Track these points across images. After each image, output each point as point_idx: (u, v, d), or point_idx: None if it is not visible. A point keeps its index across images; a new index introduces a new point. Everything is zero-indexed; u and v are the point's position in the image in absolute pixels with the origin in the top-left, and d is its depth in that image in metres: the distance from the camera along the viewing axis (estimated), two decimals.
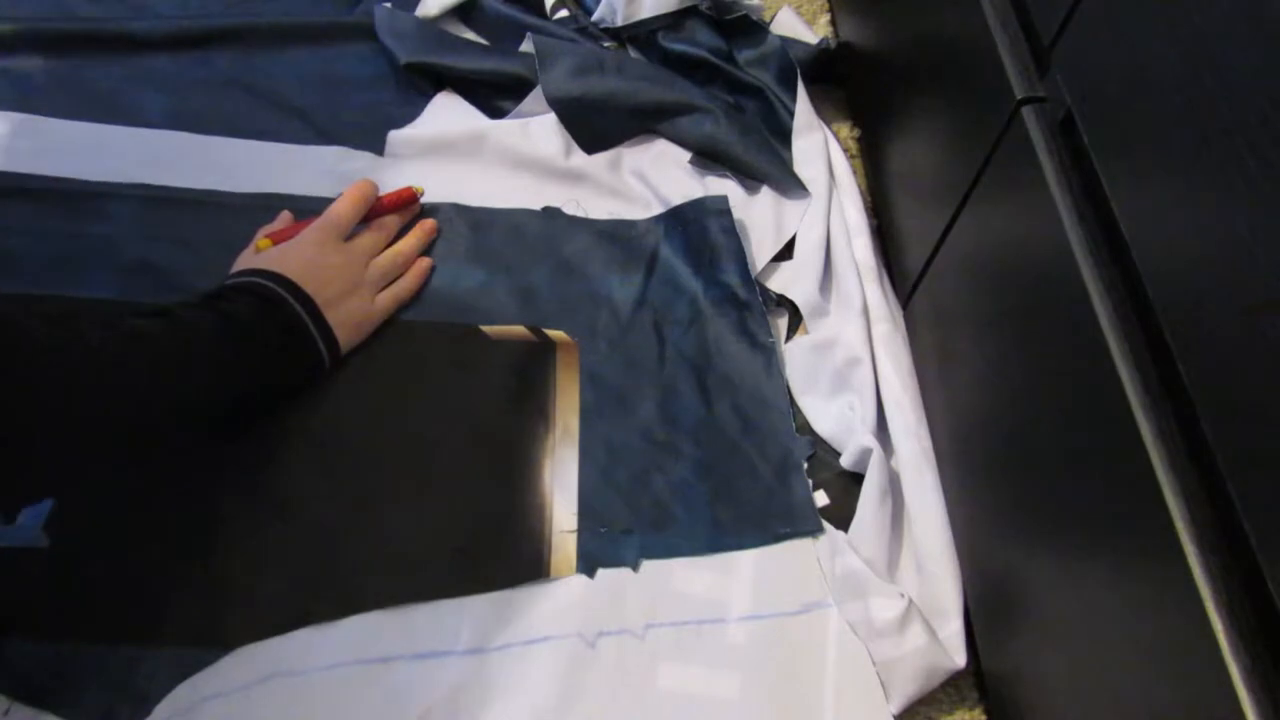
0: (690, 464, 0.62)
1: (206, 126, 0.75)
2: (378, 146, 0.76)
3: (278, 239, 0.65)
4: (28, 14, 0.81)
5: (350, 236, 0.66)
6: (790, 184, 0.75)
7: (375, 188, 0.69)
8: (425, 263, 0.69)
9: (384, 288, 0.66)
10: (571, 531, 0.59)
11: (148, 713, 0.51)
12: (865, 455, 0.61)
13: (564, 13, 0.87)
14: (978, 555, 0.56)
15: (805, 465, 0.63)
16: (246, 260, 0.64)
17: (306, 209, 0.69)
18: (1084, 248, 0.44)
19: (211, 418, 0.58)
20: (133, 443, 0.56)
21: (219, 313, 0.56)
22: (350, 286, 0.63)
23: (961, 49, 0.58)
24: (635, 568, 0.58)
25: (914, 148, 0.67)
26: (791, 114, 0.79)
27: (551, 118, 0.77)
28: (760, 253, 0.73)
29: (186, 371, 0.54)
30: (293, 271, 0.61)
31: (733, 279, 0.70)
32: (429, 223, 0.71)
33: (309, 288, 0.61)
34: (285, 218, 0.69)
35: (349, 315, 0.63)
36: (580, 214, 0.74)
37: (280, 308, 0.59)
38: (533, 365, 0.66)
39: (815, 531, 0.60)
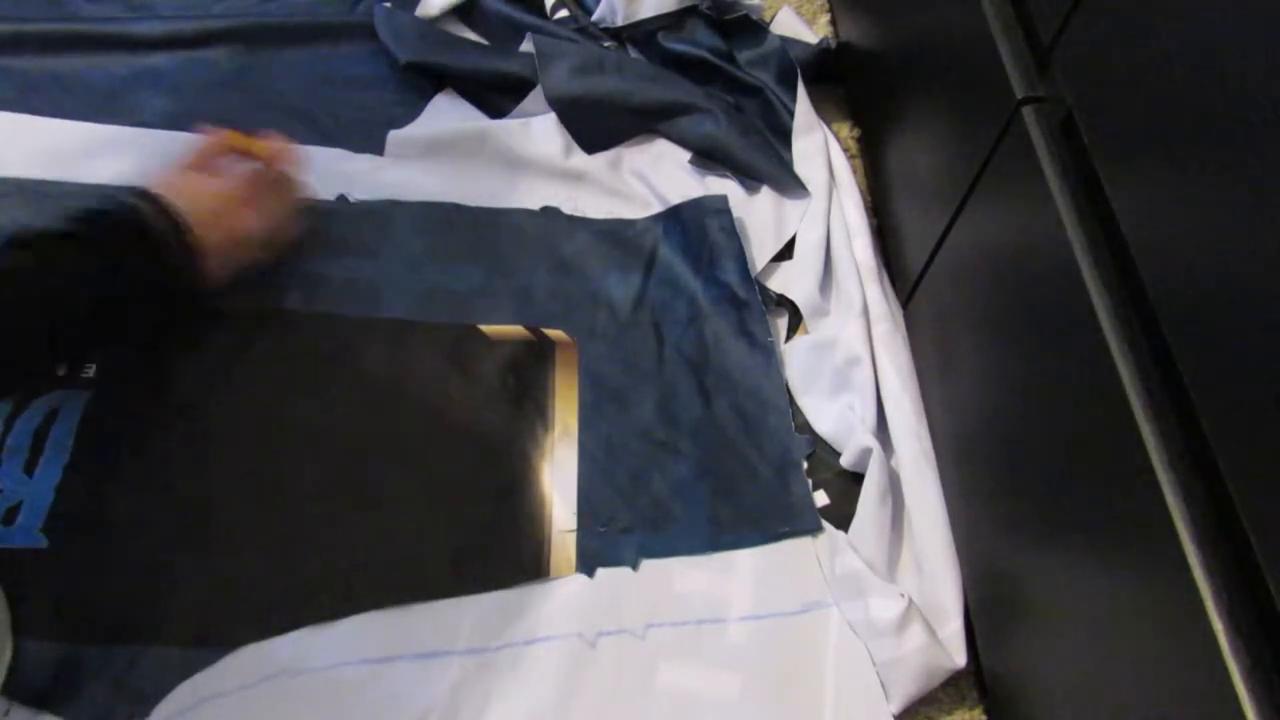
0: (689, 463, 0.62)
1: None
2: (378, 146, 0.76)
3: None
4: (28, 14, 0.81)
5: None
6: (790, 184, 0.75)
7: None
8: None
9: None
10: (571, 531, 0.59)
11: (148, 713, 0.51)
12: (865, 455, 0.61)
13: (564, 13, 0.87)
14: (978, 555, 0.56)
15: (804, 464, 0.63)
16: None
17: (306, 209, 0.69)
18: (1084, 248, 0.44)
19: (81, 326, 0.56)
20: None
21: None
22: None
23: (961, 49, 0.58)
24: (635, 567, 0.58)
25: (914, 148, 0.67)
26: (791, 114, 0.79)
27: (551, 117, 0.77)
28: (760, 253, 0.73)
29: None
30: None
31: (732, 278, 0.70)
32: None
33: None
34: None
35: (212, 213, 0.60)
36: (579, 214, 0.74)
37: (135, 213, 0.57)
38: (532, 365, 0.66)
39: (814, 530, 0.60)
